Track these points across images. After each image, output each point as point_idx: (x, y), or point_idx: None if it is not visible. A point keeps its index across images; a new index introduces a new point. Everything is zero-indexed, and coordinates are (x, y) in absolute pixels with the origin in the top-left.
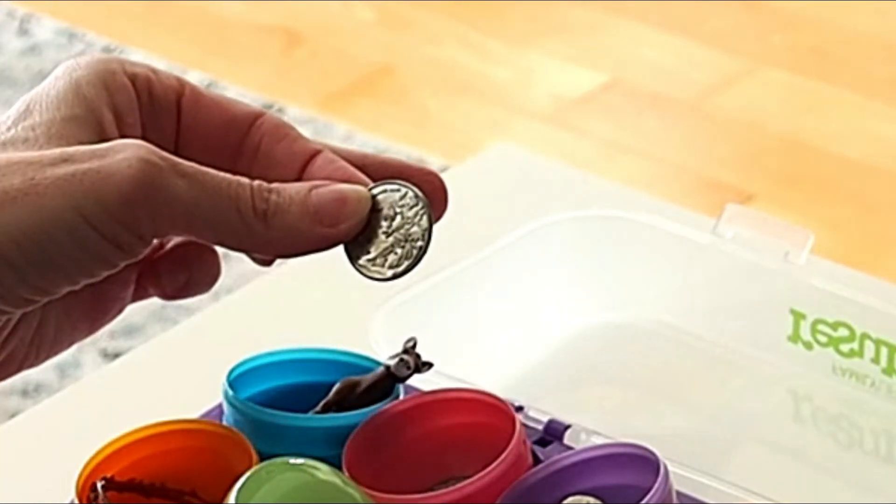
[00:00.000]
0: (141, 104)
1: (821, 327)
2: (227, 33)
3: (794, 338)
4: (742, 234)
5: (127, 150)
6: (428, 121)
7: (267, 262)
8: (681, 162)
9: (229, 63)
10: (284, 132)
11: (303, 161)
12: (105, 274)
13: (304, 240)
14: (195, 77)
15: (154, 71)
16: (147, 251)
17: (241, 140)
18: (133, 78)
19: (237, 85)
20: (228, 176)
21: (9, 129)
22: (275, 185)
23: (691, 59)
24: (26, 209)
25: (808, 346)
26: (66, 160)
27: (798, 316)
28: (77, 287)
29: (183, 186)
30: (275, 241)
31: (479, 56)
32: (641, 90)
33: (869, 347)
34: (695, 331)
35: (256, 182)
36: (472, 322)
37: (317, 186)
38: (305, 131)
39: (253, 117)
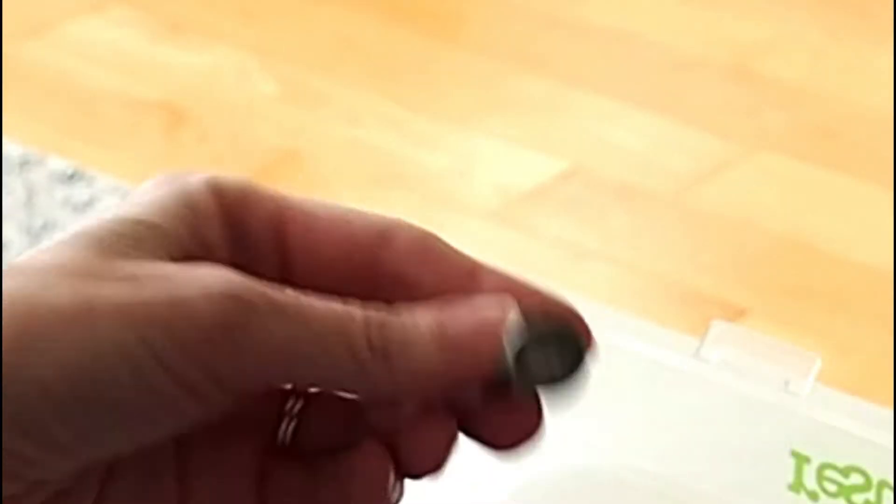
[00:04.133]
0: (233, 236)
1: (829, 473)
2: (95, 109)
3: (797, 486)
4: (731, 359)
5: (207, 279)
6: None
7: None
8: (656, 269)
9: (97, 147)
10: (429, 247)
11: (459, 284)
12: (172, 429)
13: (437, 380)
14: (56, 164)
15: (248, 193)
16: (225, 409)
17: (371, 265)
18: (221, 200)
19: (108, 173)
20: (336, 306)
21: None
22: (393, 314)
23: (669, 142)
24: (80, 334)
25: (814, 496)
26: (133, 279)
27: (801, 459)
28: (133, 447)
29: (279, 325)
30: (400, 383)
31: (407, 139)
32: (608, 180)
33: (888, 498)
34: (673, 479)
35: (372, 311)
36: None
37: (452, 313)
38: None
39: (379, 236)
